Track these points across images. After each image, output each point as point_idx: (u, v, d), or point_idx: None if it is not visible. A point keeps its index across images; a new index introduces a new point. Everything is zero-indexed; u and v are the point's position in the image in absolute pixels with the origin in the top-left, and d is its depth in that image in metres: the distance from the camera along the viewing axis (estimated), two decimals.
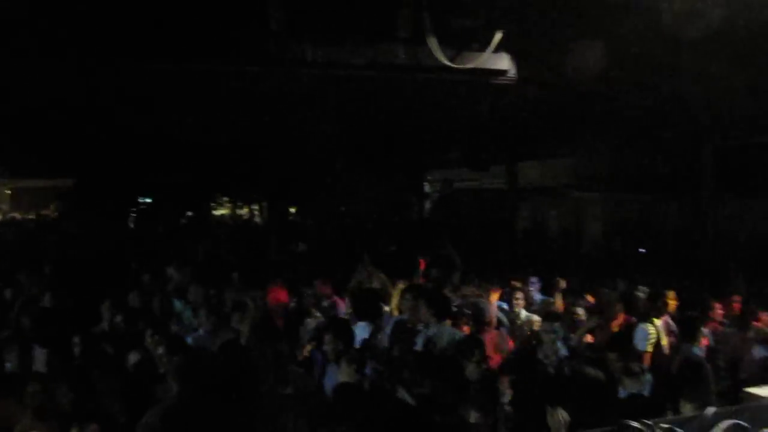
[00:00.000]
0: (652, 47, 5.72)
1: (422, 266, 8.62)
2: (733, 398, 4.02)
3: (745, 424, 1.75)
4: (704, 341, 6.03)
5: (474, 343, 4.85)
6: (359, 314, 6.22)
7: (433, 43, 2.69)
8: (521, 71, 5.54)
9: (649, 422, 1.74)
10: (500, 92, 4.21)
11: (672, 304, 6.84)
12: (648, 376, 4.87)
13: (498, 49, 2.91)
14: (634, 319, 6.40)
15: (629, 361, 4.70)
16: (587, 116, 9.51)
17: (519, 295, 6.83)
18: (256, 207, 26.24)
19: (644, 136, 11.57)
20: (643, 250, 12.84)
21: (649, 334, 5.93)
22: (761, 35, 4.10)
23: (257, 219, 24.66)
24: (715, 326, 6.57)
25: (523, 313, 6.77)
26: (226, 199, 27.48)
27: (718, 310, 6.82)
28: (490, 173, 18.02)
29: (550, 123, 10.22)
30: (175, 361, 4.37)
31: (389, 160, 16.22)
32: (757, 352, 5.76)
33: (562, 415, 3.67)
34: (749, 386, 2.74)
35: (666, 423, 1.76)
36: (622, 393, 4.70)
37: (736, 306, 7.06)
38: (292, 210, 22.64)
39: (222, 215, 27.65)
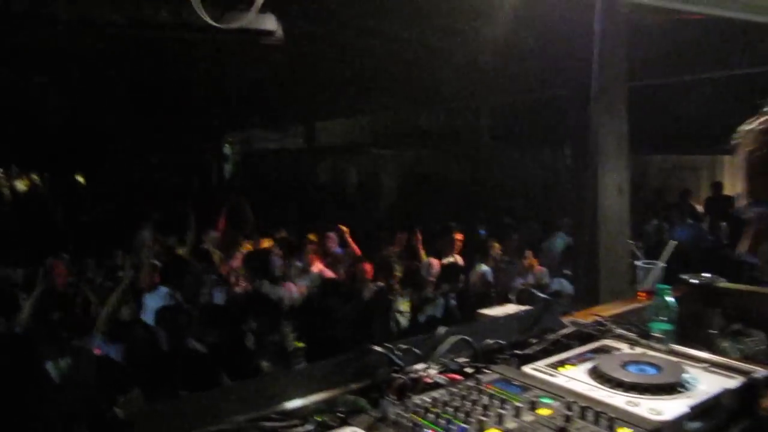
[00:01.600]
0: (438, 12, 6.19)
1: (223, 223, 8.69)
2: None
3: (469, 338, 2.09)
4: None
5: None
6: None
7: (196, 1, 2.70)
8: (301, 29, 5.74)
9: (390, 345, 2.00)
10: (279, 52, 4.31)
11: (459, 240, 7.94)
12: (440, 300, 5.61)
13: (264, 9, 2.99)
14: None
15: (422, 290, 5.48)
16: (381, 78, 9.96)
17: (310, 248, 7.19)
18: (36, 175, 23.82)
19: (433, 96, 12.39)
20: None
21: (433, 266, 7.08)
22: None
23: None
24: (494, 262, 7.52)
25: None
26: None
27: (497, 249, 7.82)
28: (291, 133, 18.18)
29: (345, 83, 10.53)
30: None
31: (183, 122, 15.61)
32: (517, 282, 6.69)
33: None
34: None
35: (404, 344, 2.04)
36: (422, 318, 5.50)
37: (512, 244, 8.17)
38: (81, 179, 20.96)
39: None
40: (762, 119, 0.97)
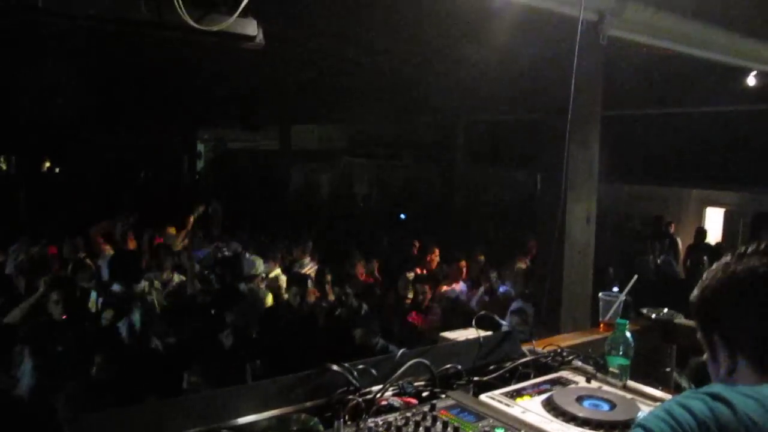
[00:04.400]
0: (423, 29, 6.22)
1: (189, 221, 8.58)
2: None
3: (426, 362, 2.08)
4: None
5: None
6: (115, 276, 6.11)
7: (177, 1, 2.66)
8: (286, 35, 5.72)
9: (347, 365, 1.98)
10: (260, 56, 4.28)
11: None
12: None
13: (246, 14, 2.96)
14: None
15: None
16: (360, 87, 9.97)
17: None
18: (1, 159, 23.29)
19: (411, 109, 12.45)
20: (403, 216, 13.87)
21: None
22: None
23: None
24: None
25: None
26: None
27: (463, 267, 7.81)
28: (268, 135, 18.05)
29: (321, 90, 10.51)
30: None
31: (159, 118, 15.41)
32: (477, 298, 6.75)
33: None
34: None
35: (362, 364, 2.02)
36: None
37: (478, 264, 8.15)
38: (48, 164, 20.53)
39: None
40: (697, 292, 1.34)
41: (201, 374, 3.95)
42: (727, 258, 1.31)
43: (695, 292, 1.33)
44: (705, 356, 1.35)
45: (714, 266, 1.33)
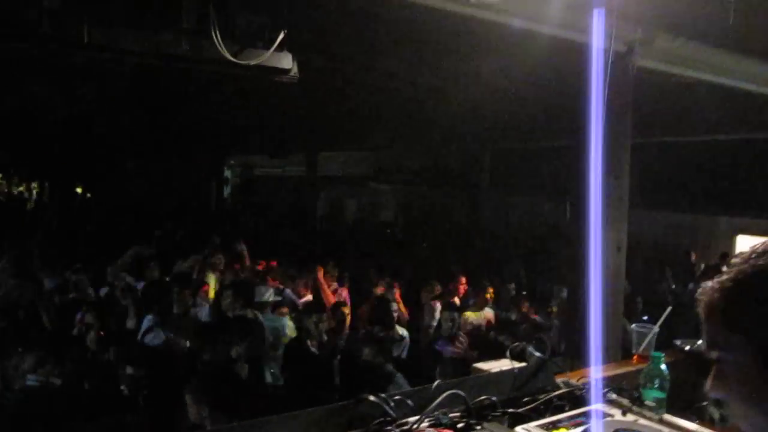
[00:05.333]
0: (448, 59, 6.31)
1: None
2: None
3: (462, 393, 2.09)
4: None
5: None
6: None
7: (216, 36, 2.76)
8: (324, 68, 5.85)
9: (384, 395, 2.00)
10: (289, 88, 4.38)
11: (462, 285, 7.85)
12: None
13: (282, 48, 3.05)
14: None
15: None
16: (385, 115, 10.09)
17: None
18: (35, 185, 23.89)
19: (436, 136, 12.53)
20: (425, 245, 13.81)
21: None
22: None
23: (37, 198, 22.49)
24: None
25: None
26: None
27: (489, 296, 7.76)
28: (295, 161, 18.28)
29: (348, 117, 10.66)
30: None
31: (188, 145, 15.71)
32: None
33: None
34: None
35: (398, 395, 2.04)
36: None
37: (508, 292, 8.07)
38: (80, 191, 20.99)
39: None
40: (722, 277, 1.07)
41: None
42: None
43: (715, 285, 1.05)
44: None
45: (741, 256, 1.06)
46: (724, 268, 1.10)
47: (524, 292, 8.11)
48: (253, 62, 2.94)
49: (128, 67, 4.58)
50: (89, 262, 7.86)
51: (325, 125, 12.04)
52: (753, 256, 1.04)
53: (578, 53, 4.16)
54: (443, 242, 13.39)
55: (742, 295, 1.02)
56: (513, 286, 7.86)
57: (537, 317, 6.89)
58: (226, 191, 21.21)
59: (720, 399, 1.16)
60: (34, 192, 24.02)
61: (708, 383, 1.09)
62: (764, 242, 1.04)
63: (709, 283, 1.08)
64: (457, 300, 7.64)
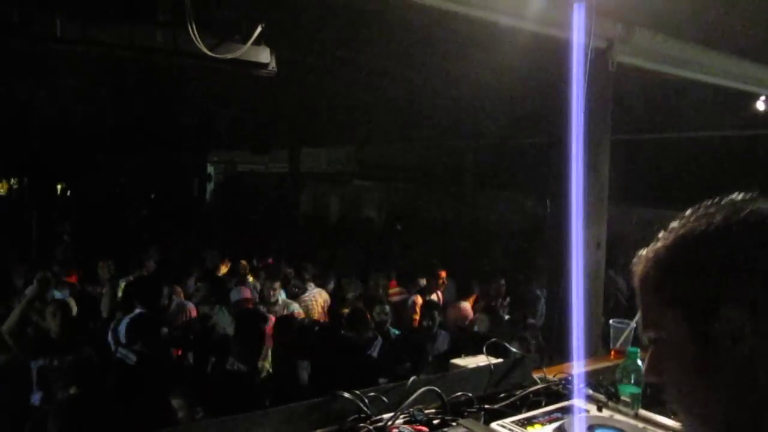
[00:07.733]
0: (431, 54, 6.29)
1: None
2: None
3: (437, 389, 2.08)
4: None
5: None
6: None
7: (192, 29, 2.72)
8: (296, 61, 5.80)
9: (358, 391, 1.98)
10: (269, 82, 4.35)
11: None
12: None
13: (260, 42, 3.02)
14: None
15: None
16: (368, 111, 10.05)
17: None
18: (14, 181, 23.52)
19: (419, 133, 12.52)
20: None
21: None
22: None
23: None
24: None
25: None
26: None
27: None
28: (277, 158, 18.18)
29: (331, 114, 10.60)
30: None
31: (170, 141, 15.56)
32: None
33: None
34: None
35: (374, 391, 2.02)
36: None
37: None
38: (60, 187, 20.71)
39: None
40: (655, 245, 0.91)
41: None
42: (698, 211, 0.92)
43: (649, 254, 0.92)
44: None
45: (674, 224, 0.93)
46: (661, 234, 0.94)
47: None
48: (229, 56, 2.90)
49: (104, 60, 4.53)
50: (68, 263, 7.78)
51: (307, 121, 11.97)
52: (692, 218, 0.91)
53: (559, 49, 4.16)
54: (426, 238, 13.39)
55: (677, 263, 0.88)
56: (503, 282, 7.82)
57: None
58: (209, 187, 21.06)
59: (655, 384, 0.97)
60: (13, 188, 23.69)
61: (644, 366, 0.95)
62: (705, 203, 0.93)
63: (644, 252, 0.94)
64: (438, 295, 7.68)
